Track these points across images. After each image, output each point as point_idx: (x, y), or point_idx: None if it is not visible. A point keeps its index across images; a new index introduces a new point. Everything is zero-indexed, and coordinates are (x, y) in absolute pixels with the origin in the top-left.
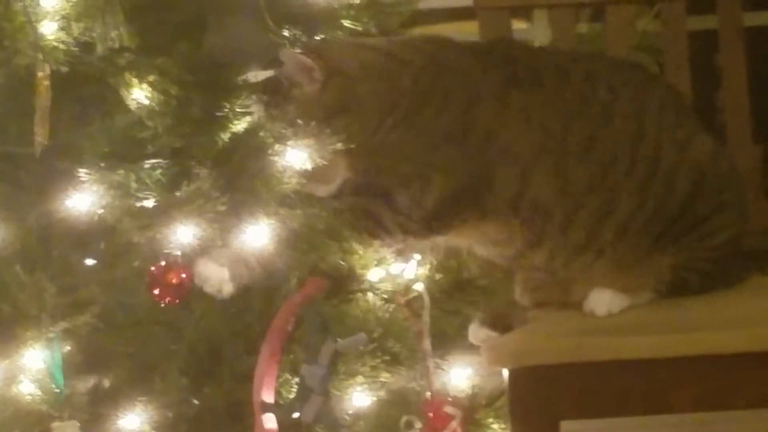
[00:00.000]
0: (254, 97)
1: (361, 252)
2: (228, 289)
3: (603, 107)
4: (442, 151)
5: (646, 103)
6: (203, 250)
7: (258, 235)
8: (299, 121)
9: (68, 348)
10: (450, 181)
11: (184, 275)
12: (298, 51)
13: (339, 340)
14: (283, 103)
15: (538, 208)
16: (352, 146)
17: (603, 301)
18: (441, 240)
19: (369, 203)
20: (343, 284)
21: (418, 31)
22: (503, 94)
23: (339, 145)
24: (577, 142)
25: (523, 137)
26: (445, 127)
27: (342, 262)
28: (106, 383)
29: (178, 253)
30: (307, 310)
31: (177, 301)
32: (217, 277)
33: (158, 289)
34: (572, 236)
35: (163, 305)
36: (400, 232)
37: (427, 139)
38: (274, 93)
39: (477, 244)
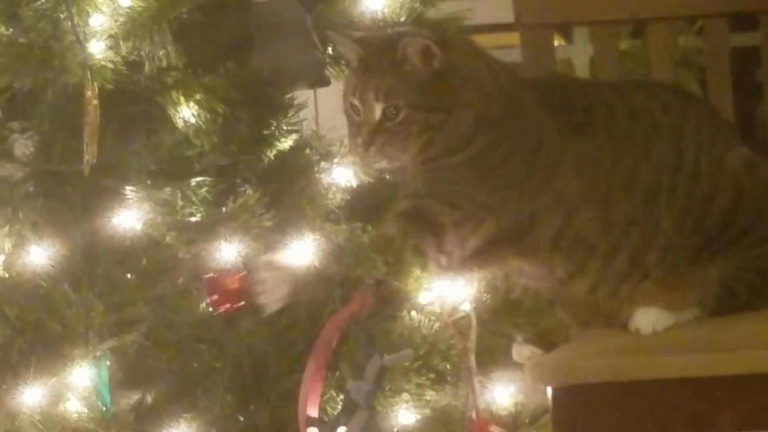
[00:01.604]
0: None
1: (415, 273)
2: (275, 307)
3: (644, 141)
4: (501, 193)
5: (683, 130)
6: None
7: (303, 251)
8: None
9: (110, 363)
10: (498, 223)
11: (241, 277)
12: (426, 34)
13: (385, 356)
14: (386, 68)
15: (580, 243)
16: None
17: (648, 319)
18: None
19: (417, 235)
20: (391, 302)
21: None
22: (562, 142)
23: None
24: (621, 177)
25: (574, 183)
26: (512, 169)
27: (397, 283)
28: (149, 399)
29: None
30: (352, 326)
31: (236, 306)
32: (274, 292)
33: (217, 295)
34: (616, 266)
35: (221, 311)
36: (436, 269)
37: (491, 180)
38: (380, 53)
39: (514, 276)
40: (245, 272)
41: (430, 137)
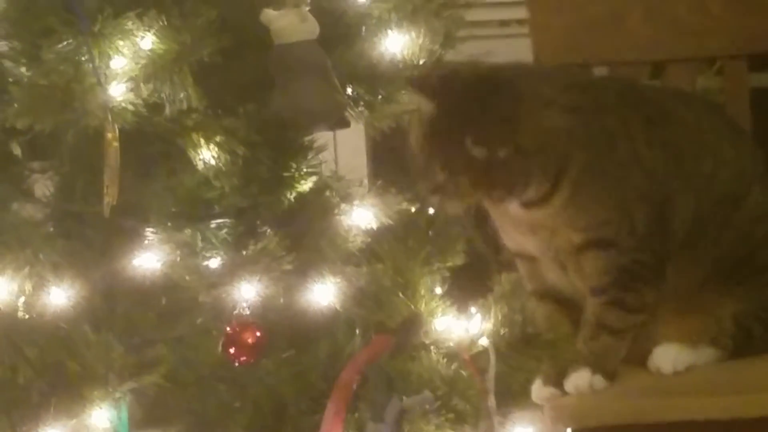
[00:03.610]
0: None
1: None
2: None
3: (715, 145)
4: (630, 181)
5: (742, 145)
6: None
7: (324, 294)
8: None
9: (129, 403)
10: (645, 204)
11: (258, 334)
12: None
13: (405, 398)
14: (454, 146)
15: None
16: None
17: (668, 357)
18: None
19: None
20: (409, 338)
21: None
22: (644, 128)
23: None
24: (704, 175)
25: (666, 169)
26: (623, 157)
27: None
28: None
29: (247, 311)
30: (372, 368)
31: (251, 360)
32: None
33: (234, 349)
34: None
35: (237, 364)
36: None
37: (613, 176)
38: (449, 125)
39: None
40: (261, 327)
41: (503, 196)
